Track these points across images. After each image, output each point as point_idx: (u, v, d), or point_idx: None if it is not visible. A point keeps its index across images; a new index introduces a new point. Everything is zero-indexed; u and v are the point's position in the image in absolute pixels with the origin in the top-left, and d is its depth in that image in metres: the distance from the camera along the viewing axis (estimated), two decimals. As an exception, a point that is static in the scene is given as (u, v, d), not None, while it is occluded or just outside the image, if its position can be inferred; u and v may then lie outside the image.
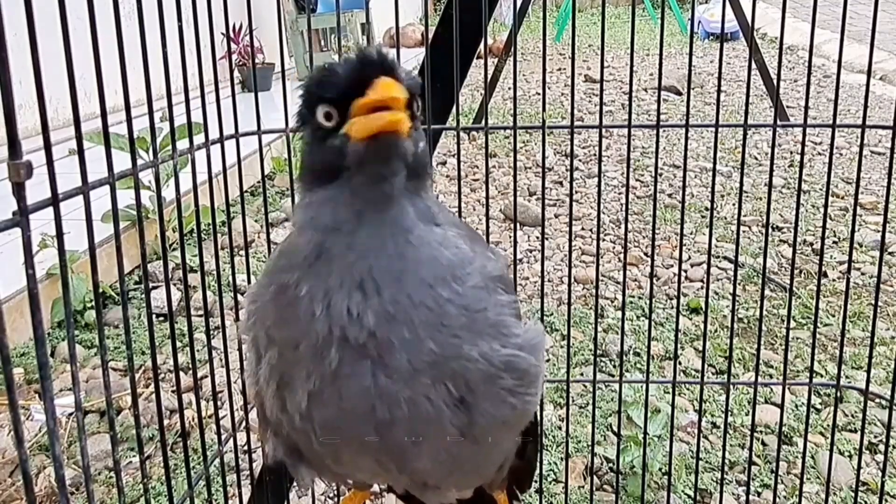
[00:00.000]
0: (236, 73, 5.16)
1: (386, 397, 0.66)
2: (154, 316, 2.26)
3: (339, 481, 0.93)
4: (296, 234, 0.70)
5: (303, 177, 0.70)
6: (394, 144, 0.62)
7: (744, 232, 3.02)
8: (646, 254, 2.79)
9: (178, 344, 1.73)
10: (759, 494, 1.54)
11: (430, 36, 1.12)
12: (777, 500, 1.42)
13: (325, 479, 0.89)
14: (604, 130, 1.17)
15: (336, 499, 1.51)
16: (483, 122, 1.19)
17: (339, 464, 0.78)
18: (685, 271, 2.66)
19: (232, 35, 4.71)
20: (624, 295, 1.26)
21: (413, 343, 0.65)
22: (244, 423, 1.23)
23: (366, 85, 0.61)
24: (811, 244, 2.87)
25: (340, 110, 0.64)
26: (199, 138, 1.01)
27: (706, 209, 3.26)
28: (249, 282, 1.21)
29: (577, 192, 3.57)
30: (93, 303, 2.24)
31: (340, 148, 0.63)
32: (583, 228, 3.11)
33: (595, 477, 1.59)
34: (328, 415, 0.69)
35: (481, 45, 1.12)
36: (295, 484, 1.60)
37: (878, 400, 1.73)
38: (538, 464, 1.31)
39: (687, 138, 1.17)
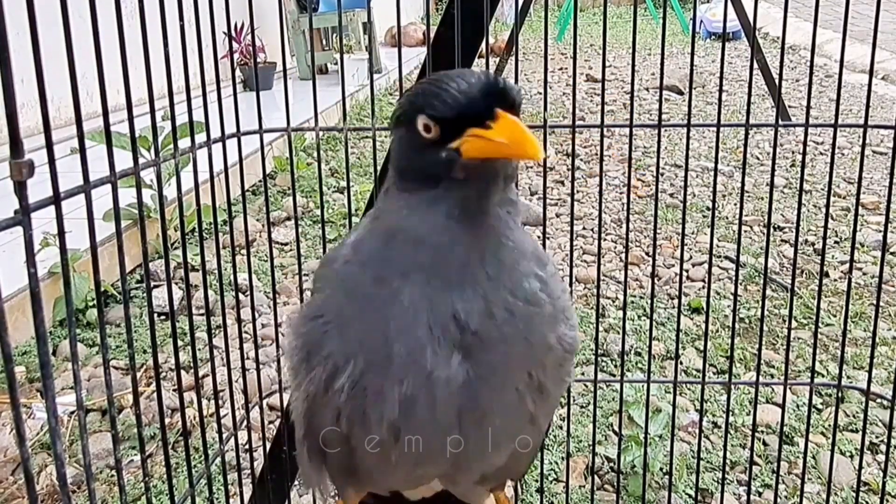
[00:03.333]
0: (238, 72, 5.16)
1: (478, 393, 0.68)
2: (155, 314, 2.26)
3: (380, 492, 0.93)
4: (384, 237, 0.69)
5: (398, 174, 0.69)
6: (504, 165, 0.65)
7: (745, 232, 3.02)
8: (647, 253, 2.79)
9: (180, 343, 1.74)
10: (759, 494, 1.54)
11: (432, 35, 1.12)
12: (778, 500, 1.42)
13: (360, 492, 0.89)
14: (605, 130, 1.17)
15: (337, 498, 1.51)
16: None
17: (408, 476, 0.78)
18: (686, 271, 2.66)
19: (233, 34, 4.71)
20: (625, 294, 1.26)
21: (513, 338, 0.68)
22: (245, 422, 1.23)
23: (485, 114, 0.62)
24: (813, 244, 2.87)
25: (444, 126, 0.64)
26: (200, 137, 1.01)
27: (707, 209, 3.26)
28: (250, 281, 1.21)
29: (578, 192, 3.57)
30: (94, 301, 2.23)
31: (447, 161, 0.64)
32: (584, 228, 3.10)
33: (596, 476, 1.59)
34: (419, 420, 0.69)
35: (483, 45, 1.12)
36: (297, 483, 1.60)
37: (879, 400, 1.73)
38: (540, 462, 1.31)
39: (688, 138, 1.17)
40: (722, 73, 1.09)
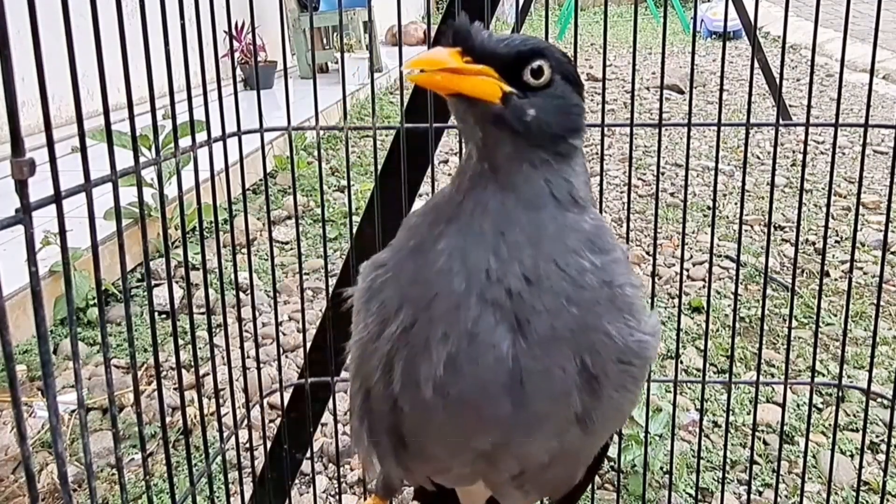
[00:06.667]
0: (238, 71, 5.16)
1: (523, 364, 0.64)
2: (156, 313, 2.26)
3: (420, 480, 0.87)
4: (447, 190, 0.70)
5: None
6: (470, 104, 0.63)
7: (746, 231, 3.02)
8: (648, 252, 2.79)
9: (181, 341, 1.74)
10: (760, 494, 1.54)
11: (433, 34, 1.12)
12: (778, 499, 1.42)
13: (408, 479, 0.86)
14: (606, 129, 1.17)
15: (338, 496, 1.51)
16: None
17: (453, 451, 0.73)
18: (687, 270, 2.66)
19: (234, 33, 4.71)
20: (626, 294, 1.25)
21: (554, 308, 0.64)
22: (246, 421, 1.23)
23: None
24: (813, 243, 2.87)
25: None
26: (201, 136, 1.01)
27: (708, 208, 3.26)
28: (251, 279, 1.22)
29: (578, 191, 3.56)
30: (95, 300, 2.23)
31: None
32: (585, 227, 3.10)
33: (596, 475, 1.59)
34: (464, 383, 0.65)
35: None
36: (297, 482, 1.60)
37: (879, 399, 1.73)
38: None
39: (689, 137, 1.16)
40: (722, 72, 1.09)
